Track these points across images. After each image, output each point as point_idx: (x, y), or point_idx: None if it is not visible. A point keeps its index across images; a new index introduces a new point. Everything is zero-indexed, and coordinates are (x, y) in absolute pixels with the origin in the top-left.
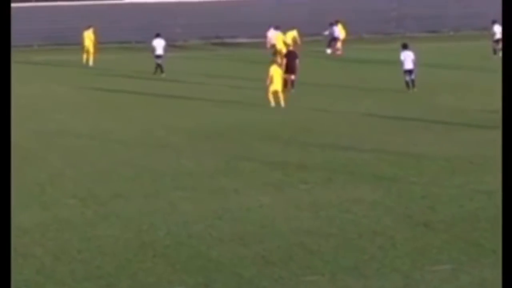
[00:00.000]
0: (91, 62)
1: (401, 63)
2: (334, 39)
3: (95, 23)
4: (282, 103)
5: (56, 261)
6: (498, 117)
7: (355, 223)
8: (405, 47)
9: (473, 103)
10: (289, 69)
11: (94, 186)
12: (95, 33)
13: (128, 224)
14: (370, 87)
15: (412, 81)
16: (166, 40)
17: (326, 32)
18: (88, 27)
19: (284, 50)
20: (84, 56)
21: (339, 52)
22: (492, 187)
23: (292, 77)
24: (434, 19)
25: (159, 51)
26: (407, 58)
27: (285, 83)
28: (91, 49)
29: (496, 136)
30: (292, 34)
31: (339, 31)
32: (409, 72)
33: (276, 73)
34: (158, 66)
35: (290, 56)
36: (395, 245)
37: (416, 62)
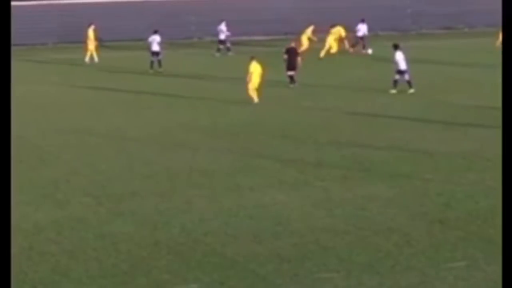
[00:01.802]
0: (96, 59)
1: (395, 63)
2: (360, 38)
3: (110, 21)
4: (256, 99)
5: (71, 259)
6: None
7: (370, 221)
8: (396, 47)
9: (488, 100)
10: (289, 65)
11: (109, 184)
12: (95, 31)
13: (143, 222)
14: (385, 85)
15: (408, 82)
16: (181, 37)
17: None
18: (89, 25)
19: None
20: (88, 54)
21: (351, 50)
22: None
23: (292, 73)
24: (449, 16)
25: (153, 47)
26: (401, 58)
27: (291, 79)
28: (92, 47)
29: None
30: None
31: (364, 31)
32: (403, 72)
33: (256, 70)
34: (151, 62)
35: (291, 52)
36: (410, 242)
37: (408, 62)
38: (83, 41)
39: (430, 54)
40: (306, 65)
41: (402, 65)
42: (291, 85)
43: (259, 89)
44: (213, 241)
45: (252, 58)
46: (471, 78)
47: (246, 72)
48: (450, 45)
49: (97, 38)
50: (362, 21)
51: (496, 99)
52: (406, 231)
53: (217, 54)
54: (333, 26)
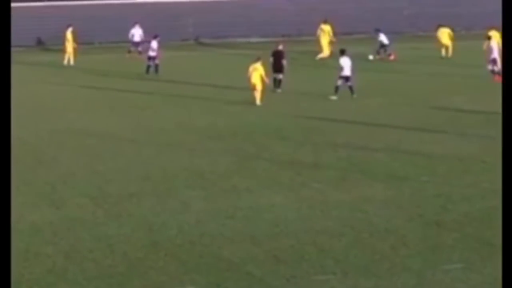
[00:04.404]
0: (72, 62)
1: (339, 69)
2: (382, 46)
3: (107, 23)
4: (258, 101)
5: (68, 260)
6: None
7: (367, 222)
8: (343, 52)
9: (485, 102)
10: (275, 68)
11: (106, 185)
12: (74, 33)
13: (139, 223)
14: (382, 86)
15: (350, 87)
16: (178, 39)
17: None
18: (67, 27)
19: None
20: (66, 56)
21: (392, 57)
22: None
23: (280, 76)
24: (446, 18)
25: (149, 52)
26: (346, 65)
27: (274, 82)
28: (70, 49)
29: None
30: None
31: (386, 38)
32: (346, 78)
33: (254, 71)
34: (148, 67)
35: (277, 55)
36: (407, 244)
37: (353, 69)
38: (62, 43)
39: (427, 56)
40: (303, 68)
41: (347, 71)
42: (277, 89)
43: (262, 92)
44: (210, 242)
45: (257, 59)
46: (468, 80)
47: (245, 73)
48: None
49: (76, 40)
50: (378, 30)
51: (493, 101)
52: (403, 233)
53: (128, 55)
54: (325, 22)
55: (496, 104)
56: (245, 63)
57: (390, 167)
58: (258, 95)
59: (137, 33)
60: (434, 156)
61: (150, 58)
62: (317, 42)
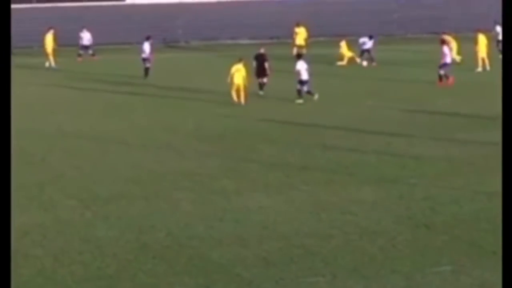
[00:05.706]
0: (53, 64)
1: (296, 73)
2: (365, 51)
3: (95, 25)
4: (242, 101)
5: (56, 262)
6: (498, 119)
7: (355, 224)
8: (299, 57)
9: (474, 105)
10: (258, 72)
11: (95, 187)
12: (55, 35)
13: (128, 225)
14: (371, 89)
15: (309, 92)
16: (167, 41)
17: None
18: (48, 30)
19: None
20: (51, 58)
21: (364, 63)
22: (492, 188)
23: (264, 80)
24: (434, 20)
25: (143, 54)
26: (303, 68)
27: (260, 86)
28: (50, 52)
29: (496, 138)
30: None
31: (371, 44)
32: (304, 82)
33: (237, 72)
34: (145, 70)
35: (259, 59)
36: (396, 246)
37: (311, 72)
38: (42, 45)
39: (416, 59)
40: (291, 70)
41: (304, 75)
42: (260, 92)
43: (244, 91)
44: (199, 244)
45: (239, 60)
46: (457, 82)
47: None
48: (435, 49)
49: (56, 43)
50: (370, 37)
51: (482, 104)
52: (392, 235)
53: (79, 59)
54: (298, 25)
55: (484, 105)
56: (233, 65)
57: (379, 170)
58: (242, 95)
59: (85, 37)
60: (423, 159)
61: (143, 60)
62: (293, 44)
